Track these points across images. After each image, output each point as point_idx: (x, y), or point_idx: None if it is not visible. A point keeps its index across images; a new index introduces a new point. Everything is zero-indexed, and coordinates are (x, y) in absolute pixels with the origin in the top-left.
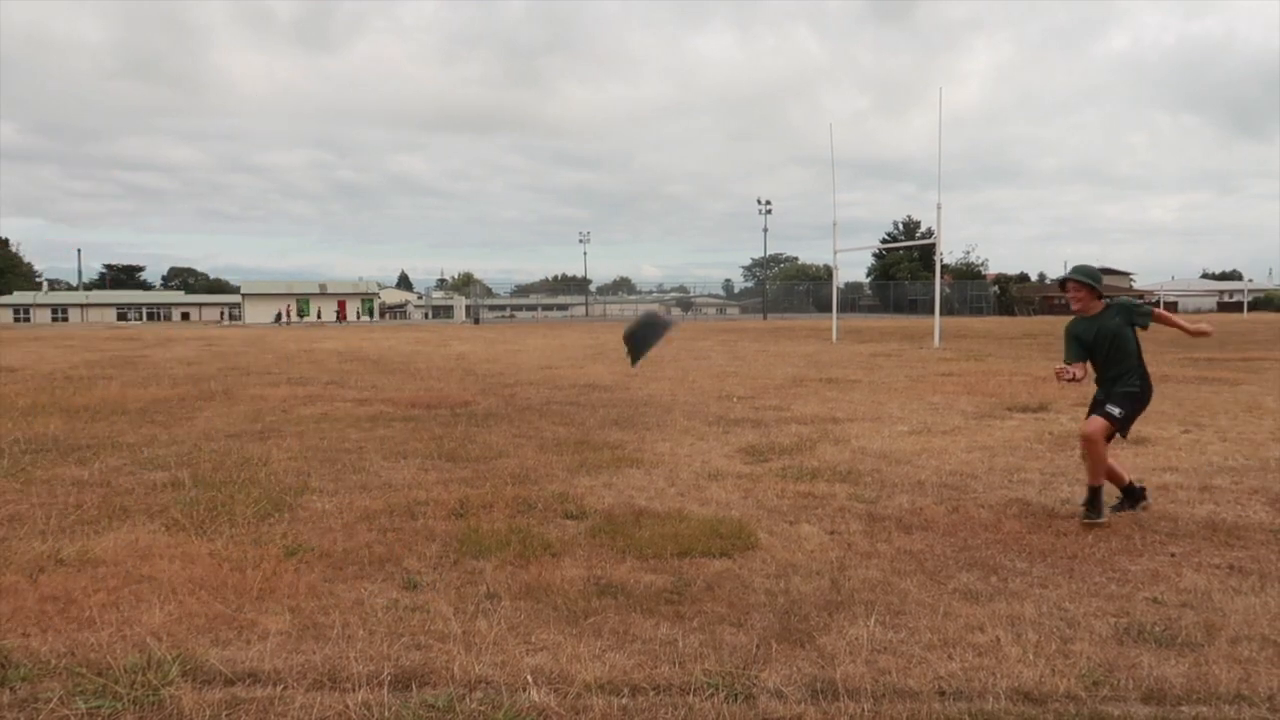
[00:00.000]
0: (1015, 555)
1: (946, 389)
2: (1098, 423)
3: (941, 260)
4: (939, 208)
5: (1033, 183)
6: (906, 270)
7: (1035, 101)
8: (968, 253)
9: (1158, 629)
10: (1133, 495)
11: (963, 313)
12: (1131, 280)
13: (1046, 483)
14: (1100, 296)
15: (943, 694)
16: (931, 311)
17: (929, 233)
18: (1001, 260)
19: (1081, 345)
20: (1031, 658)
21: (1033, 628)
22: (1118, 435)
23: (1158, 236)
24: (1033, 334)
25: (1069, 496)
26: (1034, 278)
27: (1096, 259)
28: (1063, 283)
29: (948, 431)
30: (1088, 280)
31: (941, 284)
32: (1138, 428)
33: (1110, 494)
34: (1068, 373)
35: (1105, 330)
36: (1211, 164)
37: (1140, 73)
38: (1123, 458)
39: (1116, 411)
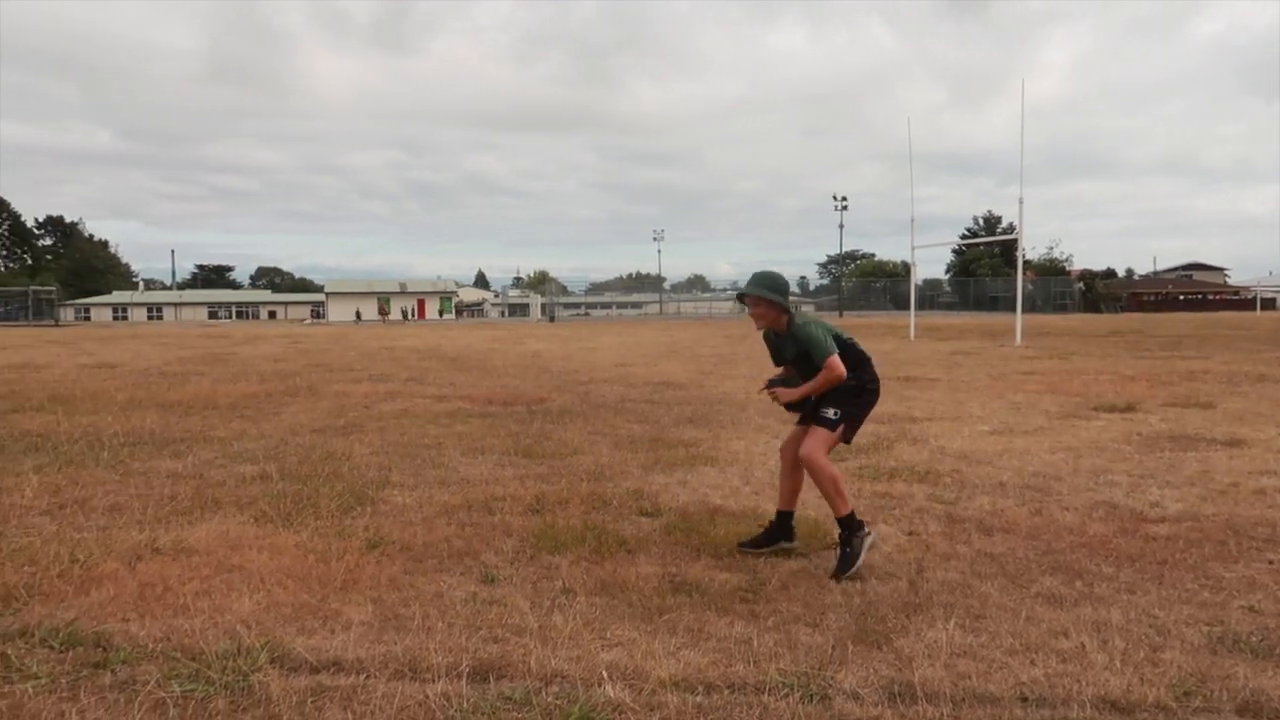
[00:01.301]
0: (1101, 560)
1: (1029, 388)
2: (815, 436)
3: (1023, 255)
4: (1020, 202)
5: (1119, 175)
6: (987, 266)
7: (1120, 91)
8: (1051, 248)
9: (1254, 639)
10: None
11: (1045, 310)
12: (1226, 276)
13: (1135, 485)
14: (787, 311)
15: (1025, 700)
16: (1013, 308)
17: (1010, 228)
18: (1087, 256)
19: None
20: (1118, 665)
21: (1120, 634)
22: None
23: (1253, 230)
24: (1120, 331)
25: (1158, 500)
26: (1121, 273)
27: (1188, 254)
28: (740, 296)
29: (1030, 432)
30: (763, 293)
31: (1023, 280)
32: (1233, 429)
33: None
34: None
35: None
36: None
37: (1232, 58)
38: (1217, 459)
39: (831, 413)
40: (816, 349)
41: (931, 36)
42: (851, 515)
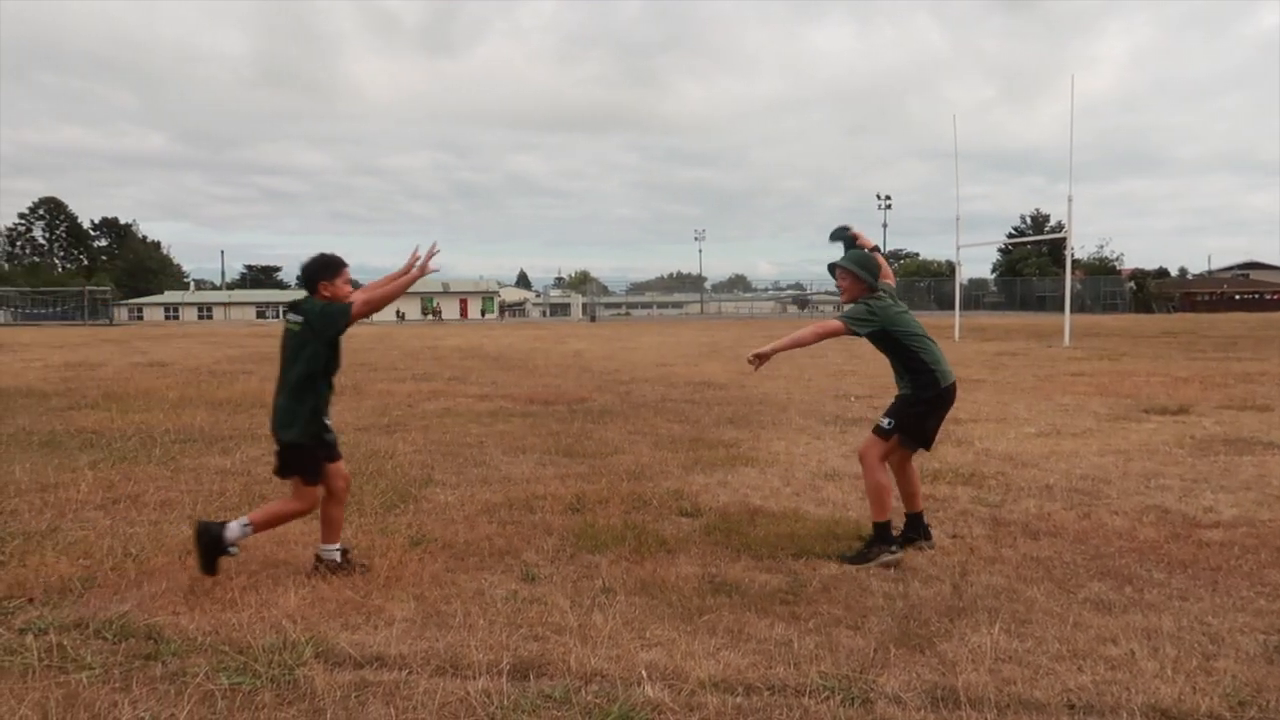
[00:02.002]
0: (1152, 565)
1: (1077, 389)
2: (867, 441)
3: (1072, 255)
4: (1069, 200)
5: (1173, 172)
6: (1034, 266)
7: (1175, 86)
8: (1101, 247)
9: None
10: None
11: (1095, 310)
12: None
13: (1187, 489)
14: (870, 288)
15: (1072, 707)
16: (1061, 309)
17: (1059, 226)
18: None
19: None
20: (1170, 673)
21: (1171, 642)
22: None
23: None
24: (1172, 332)
25: (1212, 504)
26: (1174, 273)
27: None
28: (831, 268)
29: (1078, 434)
30: (849, 265)
31: (1072, 280)
32: None
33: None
34: None
35: None
36: None
37: None
38: (1275, 464)
39: (885, 421)
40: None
41: (980, 32)
42: (886, 525)
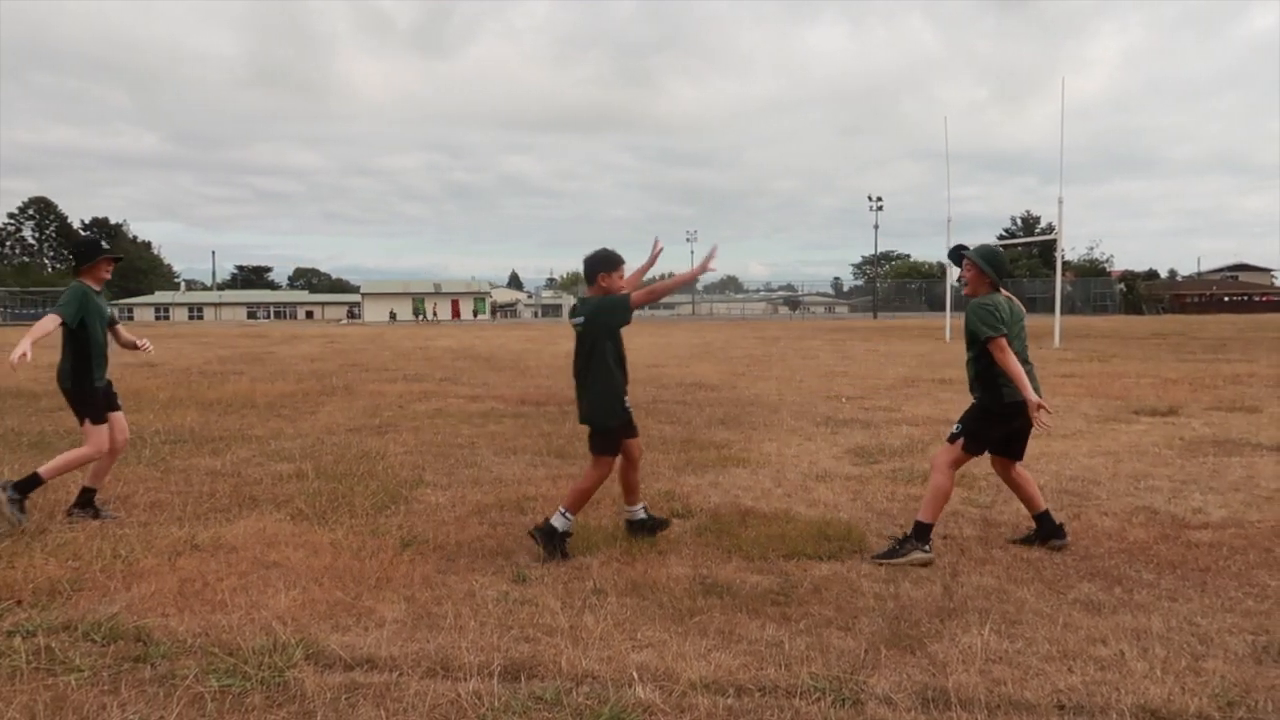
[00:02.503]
0: (1141, 566)
1: (1067, 391)
2: (941, 447)
3: (1063, 256)
4: (1060, 201)
5: (1164, 174)
6: (1025, 267)
7: (1168, 88)
8: (1091, 248)
9: None
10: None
11: (1085, 311)
12: (1273, 277)
13: (1176, 490)
14: (995, 286)
15: (1062, 708)
16: (1051, 310)
17: (1049, 228)
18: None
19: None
20: (1159, 674)
21: (1160, 642)
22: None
23: None
24: (1162, 333)
25: (1201, 505)
26: (1164, 274)
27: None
28: (958, 258)
29: (1068, 435)
30: (974, 257)
31: (1062, 281)
32: (1278, 433)
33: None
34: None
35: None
36: None
37: None
38: (1263, 465)
39: (955, 428)
40: (969, 325)
41: (973, 33)
42: (928, 528)
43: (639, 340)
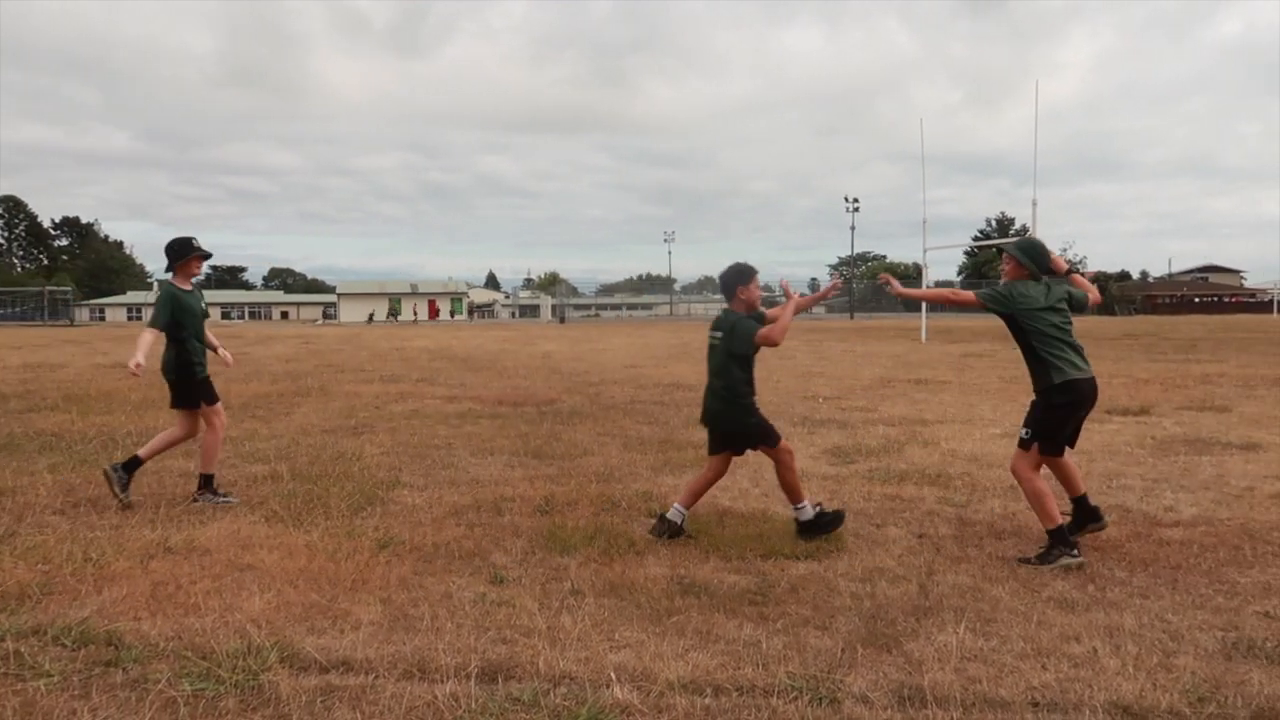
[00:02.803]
0: (1114, 564)
1: None
2: (1015, 455)
3: None
4: (1034, 203)
5: (1135, 176)
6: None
7: (1139, 91)
8: (1065, 250)
9: (1269, 645)
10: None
11: None
12: (1242, 278)
13: (1148, 489)
14: (1035, 278)
15: (1036, 705)
16: None
17: (1024, 229)
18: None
19: None
20: (1131, 670)
21: (1132, 639)
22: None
23: (1271, 231)
24: (1134, 334)
25: (1172, 504)
26: (1136, 276)
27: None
28: (998, 250)
29: None
30: (1011, 249)
31: None
32: (1249, 433)
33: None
34: None
35: None
36: None
37: (1253, 58)
38: (1233, 464)
39: (1024, 432)
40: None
41: (948, 36)
42: (1060, 530)
43: (616, 341)
